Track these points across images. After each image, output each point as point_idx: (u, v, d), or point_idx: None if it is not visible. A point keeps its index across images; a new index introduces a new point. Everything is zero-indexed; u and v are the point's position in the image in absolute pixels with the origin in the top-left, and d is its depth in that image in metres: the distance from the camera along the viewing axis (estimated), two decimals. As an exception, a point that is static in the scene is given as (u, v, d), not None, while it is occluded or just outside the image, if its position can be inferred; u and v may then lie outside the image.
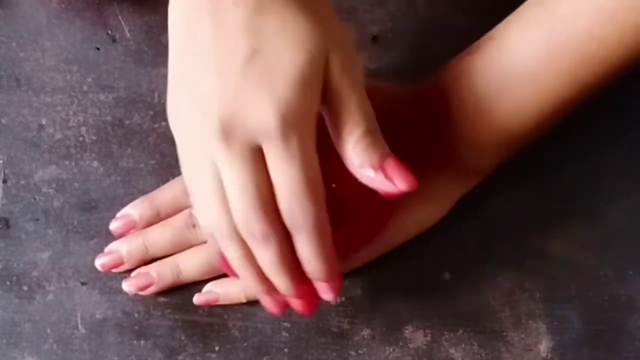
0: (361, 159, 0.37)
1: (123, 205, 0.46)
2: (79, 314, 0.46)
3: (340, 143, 0.37)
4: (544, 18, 0.41)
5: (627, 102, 0.49)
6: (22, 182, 0.47)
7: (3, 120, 0.47)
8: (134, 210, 0.46)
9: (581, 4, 0.40)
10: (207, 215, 0.38)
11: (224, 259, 0.39)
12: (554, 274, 0.47)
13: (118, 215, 0.46)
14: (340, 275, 0.40)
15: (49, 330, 0.46)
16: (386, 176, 0.37)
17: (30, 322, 0.46)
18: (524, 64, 0.41)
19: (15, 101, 0.48)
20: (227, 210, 0.36)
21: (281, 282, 0.38)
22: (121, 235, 0.46)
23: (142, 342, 0.46)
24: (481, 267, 0.47)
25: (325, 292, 0.40)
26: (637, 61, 0.40)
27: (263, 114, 0.34)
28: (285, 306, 0.41)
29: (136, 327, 0.46)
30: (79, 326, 0.46)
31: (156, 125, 0.48)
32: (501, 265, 0.47)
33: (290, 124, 0.34)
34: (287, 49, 0.34)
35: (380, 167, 0.37)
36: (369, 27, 0.50)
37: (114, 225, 0.46)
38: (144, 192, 0.47)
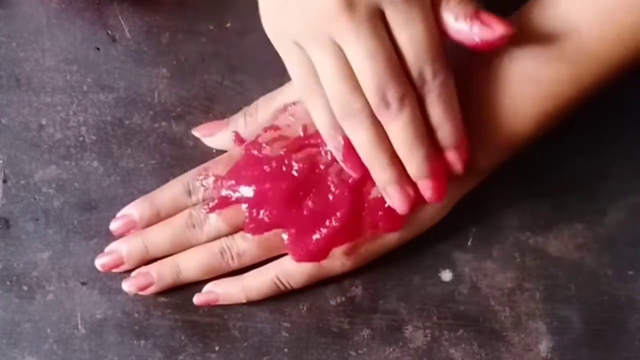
0: (456, 11, 0.38)
1: (123, 205, 0.46)
2: (79, 314, 0.46)
3: (434, 7, 0.38)
4: (544, 18, 0.41)
5: (627, 102, 0.49)
6: (22, 182, 0.47)
7: (3, 120, 0.47)
8: (134, 210, 0.46)
9: (581, 3, 0.40)
10: (334, 101, 0.39)
11: (348, 151, 0.40)
12: (554, 274, 0.47)
13: (118, 215, 0.46)
14: (468, 142, 0.41)
15: (49, 330, 0.46)
16: (482, 24, 0.38)
17: (30, 322, 0.46)
18: (524, 64, 0.41)
19: (15, 101, 0.48)
20: (357, 87, 0.38)
21: (415, 156, 0.40)
22: (121, 235, 0.46)
23: (142, 342, 0.46)
24: (481, 267, 0.47)
25: (456, 162, 0.41)
26: (636, 61, 0.40)
27: None
28: (412, 202, 0.42)
29: (136, 327, 0.46)
30: (79, 326, 0.46)
31: (156, 125, 0.48)
32: (501, 265, 0.47)
33: None
34: None
35: (476, 17, 0.38)
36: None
37: (114, 225, 0.46)
38: (144, 192, 0.47)
